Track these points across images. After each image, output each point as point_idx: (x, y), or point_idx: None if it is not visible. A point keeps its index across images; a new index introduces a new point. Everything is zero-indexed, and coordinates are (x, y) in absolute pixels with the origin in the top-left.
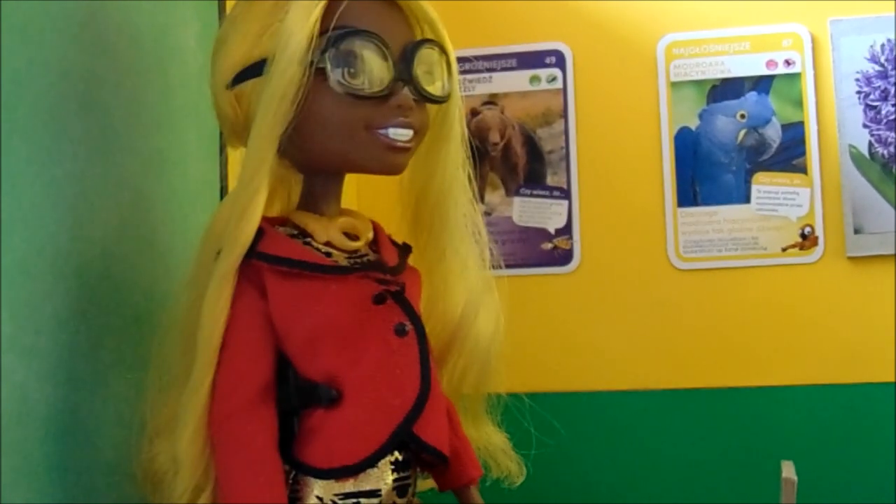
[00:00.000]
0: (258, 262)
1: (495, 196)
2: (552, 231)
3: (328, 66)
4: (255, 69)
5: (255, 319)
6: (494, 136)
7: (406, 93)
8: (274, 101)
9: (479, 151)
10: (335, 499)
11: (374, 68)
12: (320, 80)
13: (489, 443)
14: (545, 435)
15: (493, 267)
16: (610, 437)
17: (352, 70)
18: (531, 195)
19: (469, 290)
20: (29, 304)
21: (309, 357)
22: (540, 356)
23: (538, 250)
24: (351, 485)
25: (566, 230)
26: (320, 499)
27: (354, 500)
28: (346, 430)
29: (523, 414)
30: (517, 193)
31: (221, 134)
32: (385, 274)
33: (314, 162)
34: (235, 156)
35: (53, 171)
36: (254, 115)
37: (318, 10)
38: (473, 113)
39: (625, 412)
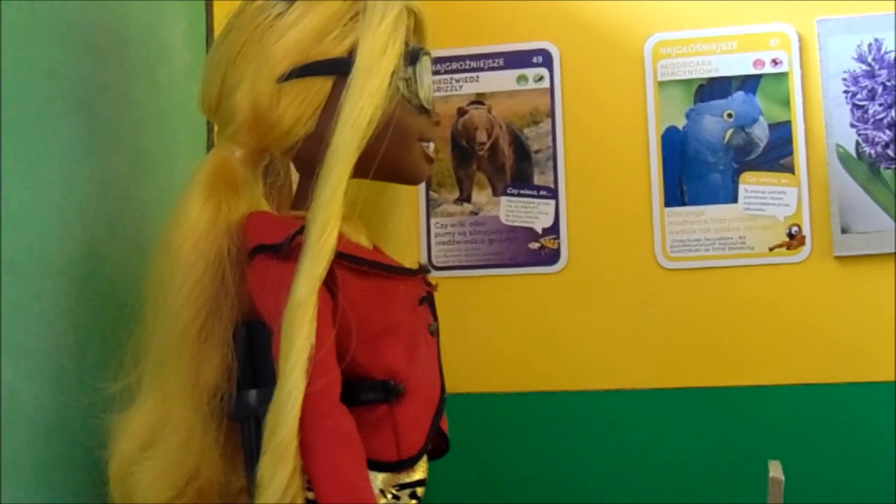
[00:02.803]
0: (338, 260)
1: (482, 195)
2: (539, 231)
3: (415, 79)
4: (311, 69)
5: (331, 317)
6: (482, 136)
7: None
8: (369, 112)
9: (467, 151)
10: (393, 490)
11: (431, 85)
12: (398, 92)
13: None
14: (533, 434)
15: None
16: (597, 436)
17: (417, 85)
18: (518, 195)
19: None
20: (17, 303)
21: (371, 353)
22: (527, 355)
23: (525, 250)
24: (406, 476)
25: (553, 230)
26: (381, 492)
27: (410, 490)
28: (411, 423)
29: (510, 413)
30: (504, 193)
31: (208, 132)
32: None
33: (360, 167)
34: None
35: (41, 170)
36: (298, 115)
37: (404, 27)
38: (461, 112)
39: (613, 412)
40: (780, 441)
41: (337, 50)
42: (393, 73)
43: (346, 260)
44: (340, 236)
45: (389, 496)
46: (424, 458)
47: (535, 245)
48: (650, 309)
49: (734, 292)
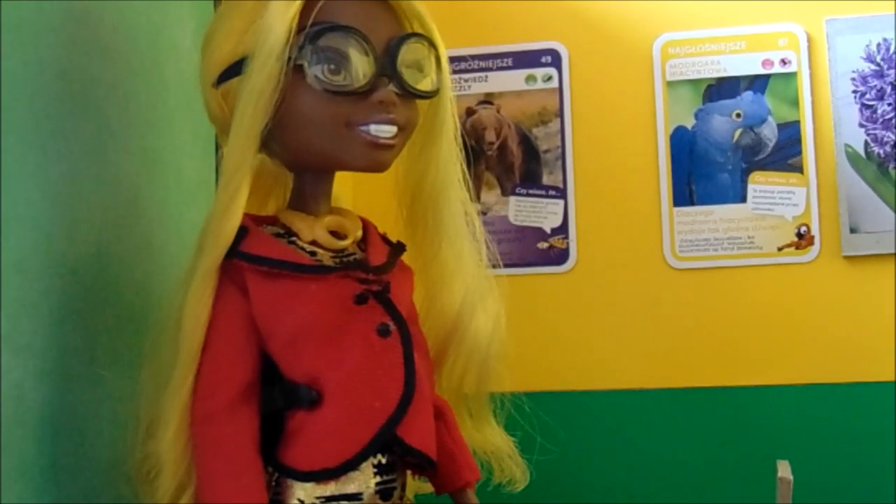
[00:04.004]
0: (239, 261)
1: (491, 195)
2: (548, 230)
3: (306, 63)
4: (238, 67)
5: (236, 319)
6: (490, 136)
7: (389, 88)
8: (252, 98)
9: (475, 151)
10: (316, 502)
11: (356, 64)
12: (300, 77)
13: (492, 445)
14: (541, 434)
15: (491, 265)
16: (606, 436)
17: (332, 66)
18: (527, 194)
19: (466, 287)
20: (25, 303)
21: (291, 357)
22: (536, 355)
23: (534, 250)
24: (333, 487)
25: (562, 229)
26: (301, 501)
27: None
28: (327, 432)
29: (520, 413)
30: (513, 193)
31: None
32: (367, 273)
33: (299, 160)
34: None
35: (49, 170)
36: None
37: (296, 6)
38: (469, 112)
39: (621, 412)
40: (790, 441)
41: (254, 46)
42: (277, 59)
43: (247, 260)
44: (262, 239)
45: None
46: (366, 471)
47: (543, 245)
48: (659, 308)
49: (743, 292)
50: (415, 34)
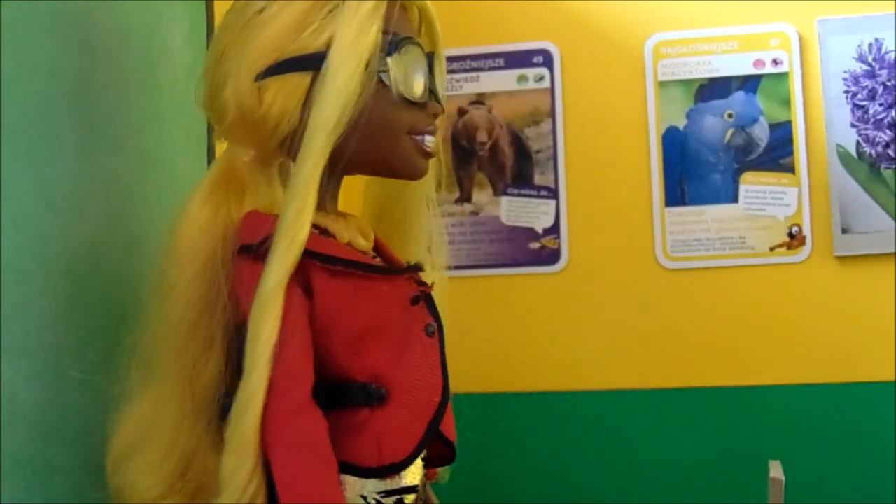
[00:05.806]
0: (308, 260)
1: (483, 195)
2: (540, 230)
3: (392, 70)
4: (289, 65)
5: (303, 318)
6: (482, 136)
7: (435, 102)
8: (339, 103)
9: (467, 151)
10: (378, 497)
11: (420, 76)
12: (380, 83)
13: None
14: (533, 434)
15: (449, 268)
16: (598, 436)
17: (403, 76)
18: (519, 195)
19: None
20: (18, 303)
21: (352, 355)
22: (527, 355)
23: (526, 250)
24: (392, 482)
25: (554, 230)
26: (364, 497)
27: (397, 497)
28: (395, 428)
29: (513, 413)
30: (505, 193)
31: (209, 133)
32: (417, 275)
33: (346, 162)
34: None
35: (42, 170)
36: (281, 112)
37: (380, 16)
38: (461, 112)
39: (613, 412)
40: (781, 441)
41: (314, 44)
42: (367, 65)
43: (319, 260)
44: (322, 238)
45: (373, 502)
46: (418, 464)
47: (535, 245)
48: (650, 309)
49: (735, 292)
50: (431, 53)
